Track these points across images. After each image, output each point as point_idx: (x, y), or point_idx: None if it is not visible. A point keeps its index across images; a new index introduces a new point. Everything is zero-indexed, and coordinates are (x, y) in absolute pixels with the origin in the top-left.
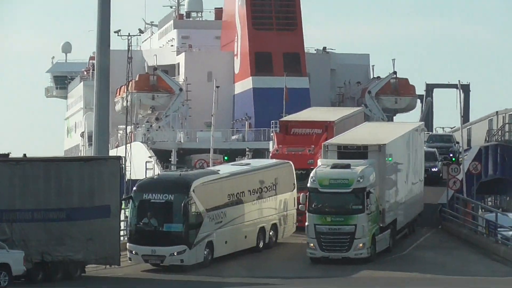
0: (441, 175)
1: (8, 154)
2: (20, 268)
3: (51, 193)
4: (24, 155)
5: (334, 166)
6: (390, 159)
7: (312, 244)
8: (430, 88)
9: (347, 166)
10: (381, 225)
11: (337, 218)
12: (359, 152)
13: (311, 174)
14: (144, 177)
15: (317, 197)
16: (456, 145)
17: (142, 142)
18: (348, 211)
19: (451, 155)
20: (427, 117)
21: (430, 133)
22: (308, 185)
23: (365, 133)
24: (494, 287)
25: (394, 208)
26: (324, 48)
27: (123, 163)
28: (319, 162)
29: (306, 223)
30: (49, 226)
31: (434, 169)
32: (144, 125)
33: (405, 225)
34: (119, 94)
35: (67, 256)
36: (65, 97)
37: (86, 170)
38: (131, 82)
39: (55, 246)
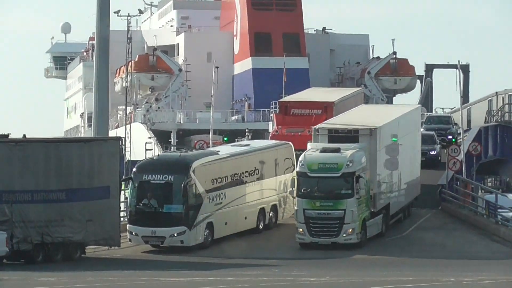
0: (439, 158)
1: (7, 135)
2: (3, 249)
3: (51, 174)
4: (24, 136)
5: (324, 150)
6: (395, 139)
7: (301, 229)
8: (429, 68)
9: (337, 150)
10: (372, 210)
11: (326, 203)
12: (350, 136)
13: (300, 158)
14: (144, 158)
15: (306, 182)
16: (454, 126)
17: (141, 122)
18: (337, 196)
19: (449, 137)
20: (427, 98)
21: (429, 113)
22: (297, 169)
23: (358, 116)
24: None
25: (387, 192)
26: (324, 28)
27: (123, 144)
28: (309, 145)
29: (295, 208)
30: (49, 207)
31: (432, 152)
32: (143, 106)
33: (399, 209)
34: (119, 75)
35: (67, 237)
36: (65, 78)
37: (86, 151)
38: (130, 63)
39: (55, 227)
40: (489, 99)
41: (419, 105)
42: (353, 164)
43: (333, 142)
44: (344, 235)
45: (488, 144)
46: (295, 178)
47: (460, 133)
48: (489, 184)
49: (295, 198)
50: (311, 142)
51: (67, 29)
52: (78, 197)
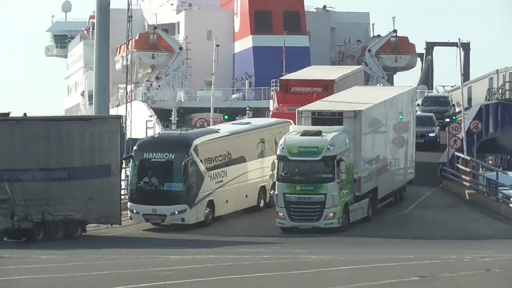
0: (438, 140)
1: (8, 114)
2: None
3: (52, 153)
4: (25, 114)
5: (304, 133)
6: (401, 117)
7: (281, 214)
8: (430, 46)
9: (318, 133)
10: (357, 193)
11: (307, 187)
12: (334, 118)
13: (280, 142)
14: (145, 136)
15: (286, 165)
16: (452, 108)
17: (142, 101)
18: (317, 180)
19: (447, 120)
20: (427, 76)
21: (429, 91)
22: (277, 152)
23: (348, 98)
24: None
25: (374, 176)
26: (324, 6)
27: (124, 122)
28: (291, 128)
29: (276, 192)
30: (50, 186)
31: (431, 134)
32: (144, 84)
33: (389, 193)
34: (119, 53)
35: (68, 215)
36: (65, 56)
37: (87, 129)
38: (131, 41)
39: (55, 206)
40: (489, 77)
41: (414, 86)
42: (334, 147)
43: (316, 124)
44: (325, 219)
45: (489, 122)
46: (275, 161)
47: (460, 111)
48: (490, 162)
49: (275, 182)
50: (294, 125)
51: (67, 8)
52: (79, 176)
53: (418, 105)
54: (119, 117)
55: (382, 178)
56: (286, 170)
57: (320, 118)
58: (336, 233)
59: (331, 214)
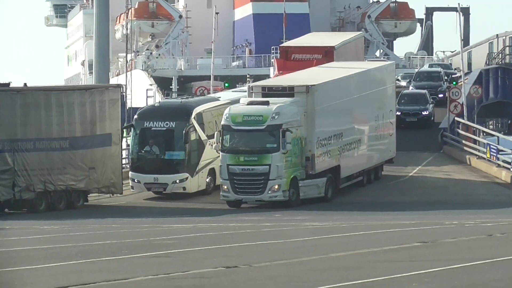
0: (432, 118)
1: (8, 84)
2: None
3: (53, 122)
4: (25, 84)
5: (250, 103)
6: (454, 83)
7: (225, 187)
8: (429, 11)
9: (265, 103)
10: (310, 172)
11: (251, 158)
12: (285, 93)
13: (225, 111)
14: (145, 105)
15: (230, 135)
16: (445, 83)
17: (142, 70)
18: (262, 150)
19: (440, 95)
20: (427, 41)
21: (428, 57)
22: (222, 122)
23: (314, 73)
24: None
25: (335, 154)
26: None
27: (124, 91)
28: (241, 100)
29: (220, 164)
30: (51, 156)
31: (424, 113)
32: (144, 53)
33: (358, 173)
34: (119, 22)
35: (70, 185)
36: (65, 26)
37: (87, 99)
38: (130, 10)
39: (57, 175)
40: (489, 41)
41: (392, 62)
42: (279, 116)
43: None
44: (269, 192)
45: (489, 87)
46: (220, 132)
47: (461, 75)
48: (491, 126)
49: (219, 153)
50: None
51: None
52: (80, 145)
53: (409, 80)
54: (119, 86)
55: (347, 157)
56: (230, 140)
57: (271, 94)
58: (291, 207)
59: (276, 186)
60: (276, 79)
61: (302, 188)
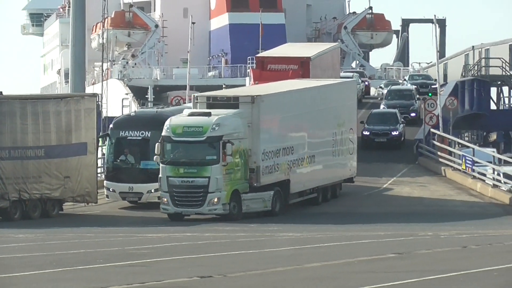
0: (403, 138)
1: None
2: None
3: (28, 131)
4: (0, 92)
5: (192, 114)
6: (430, 94)
7: (165, 199)
8: (406, 23)
9: (207, 114)
10: (255, 184)
11: (190, 170)
12: (230, 103)
13: (166, 122)
14: (121, 114)
15: (170, 147)
16: (417, 102)
17: (118, 79)
18: (201, 162)
19: (412, 114)
20: (403, 53)
21: (404, 68)
22: (162, 133)
23: (257, 88)
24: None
25: (284, 168)
26: None
27: (100, 100)
28: (184, 111)
29: (160, 175)
30: (26, 164)
31: (394, 133)
32: (120, 62)
33: (312, 189)
34: (95, 31)
35: (45, 193)
36: (41, 34)
37: (63, 108)
38: (106, 19)
39: (32, 184)
40: (465, 53)
41: (354, 79)
42: (219, 128)
43: None
44: (208, 205)
45: (465, 99)
46: (159, 143)
47: (436, 87)
48: (466, 138)
49: (159, 165)
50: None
51: None
52: (55, 154)
53: (381, 98)
54: (95, 95)
55: (298, 172)
56: (170, 151)
57: (216, 104)
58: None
59: (215, 199)
60: (222, 91)
61: (245, 202)
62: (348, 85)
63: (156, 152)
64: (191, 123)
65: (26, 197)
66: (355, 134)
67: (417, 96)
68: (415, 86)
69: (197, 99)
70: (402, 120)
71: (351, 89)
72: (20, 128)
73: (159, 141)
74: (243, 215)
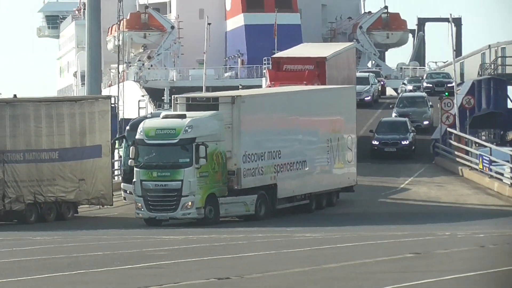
0: (413, 148)
1: None
2: None
3: (42, 134)
4: (14, 95)
5: (166, 116)
6: (447, 93)
7: (139, 204)
8: (421, 22)
9: (181, 116)
10: (236, 187)
11: (164, 173)
12: (209, 104)
13: (140, 125)
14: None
15: (143, 150)
16: (430, 109)
17: (134, 81)
18: (174, 165)
19: (425, 122)
20: (419, 52)
21: (420, 67)
22: (136, 136)
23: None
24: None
25: (269, 171)
26: None
27: (116, 102)
28: (162, 113)
29: (134, 180)
30: (41, 167)
31: (404, 142)
32: (136, 64)
33: (304, 195)
34: (111, 33)
35: (59, 196)
36: (57, 37)
37: (77, 110)
38: (122, 21)
39: (47, 187)
40: (482, 52)
41: (353, 86)
42: (192, 130)
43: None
44: (182, 209)
45: (482, 97)
46: (134, 146)
47: (453, 86)
48: (483, 137)
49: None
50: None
51: None
52: (70, 157)
53: (391, 107)
54: (109, 97)
55: (286, 176)
56: (143, 155)
57: (196, 105)
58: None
59: (189, 203)
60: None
61: (223, 205)
62: (347, 91)
63: (130, 155)
64: (164, 126)
65: (41, 200)
66: (354, 142)
67: (430, 103)
68: (430, 85)
69: (176, 100)
70: (413, 128)
71: (350, 95)
72: (34, 131)
73: (133, 144)
74: (219, 220)
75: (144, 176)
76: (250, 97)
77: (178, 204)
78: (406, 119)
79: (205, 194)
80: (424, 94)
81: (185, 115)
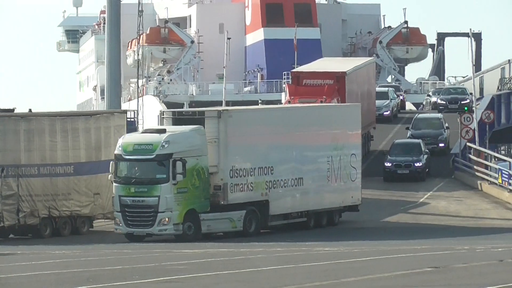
0: (427, 170)
1: (13, 110)
2: None
3: (57, 148)
4: (30, 110)
5: (145, 131)
6: (466, 108)
7: (117, 219)
8: (441, 37)
9: (160, 131)
10: (222, 202)
11: (141, 189)
12: (195, 118)
13: (119, 140)
14: None
15: (121, 165)
16: (446, 131)
17: (154, 95)
18: (151, 181)
19: (441, 145)
20: (439, 67)
21: (440, 82)
22: (115, 151)
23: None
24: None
25: (260, 188)
26: None
27: (136, 116)
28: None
29: (113, 195)
30: (56, 181)
31: (417, 164)
32: (155, 78)
33: (300, 213)
34: (131, 48)
35: (74, 211)
36: (77, 51)
37: (92, 125)
38: (142, 35)
39: (62, 201)
40: (501, 67)
41: (358, 104)
42: (169, 145)
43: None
44: (159, 225)
45: (501, 112)
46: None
47: (468, 103)
48: (502, 152)
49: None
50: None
51: (78, 3)
52: (85, 171)
53: (407, 128)
54: (125, 112)
55: (279, 193)
56: (122, 170)
57: (182, 119)
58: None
59: (166, 219)
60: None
61: (205, 222)
62: (350, 109)
63: (110, 170)
64: (141, 141)
65: (56, 214)
66: (358, 160)
67: (446, 124)
68: (444, 102)
69: (163, 115)
70: (427, 150)
71: (354, 113)
72: (49, 145)
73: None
74: (202, 236)
75: (122, 191)
76: (238, 111)
77: (155, 220)
78: (420, 140)
79: (183, 210)
80: (440, 115)
81: (165, 130)
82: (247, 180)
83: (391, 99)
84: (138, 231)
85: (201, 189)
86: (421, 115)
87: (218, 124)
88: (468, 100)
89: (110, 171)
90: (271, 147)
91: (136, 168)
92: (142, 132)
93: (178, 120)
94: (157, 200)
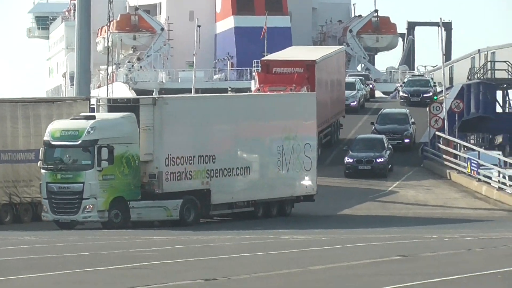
0: (390, 166)
1: None
2: None
3: (19, 134)
4: None
5: (74, 117)
6: (435, 97)
7: (44, 206)
8: (411, 26)
9: (89, 118)
10: (157, 191)
11: (67, 175)
12: (130, 106)
13: (49, 126)
14: None
15: (49, 152)
16: (412, 126)
17: (123, 82)
18: (76, 167)
19: (406, 140)
20: (409, 56)
21: (409, 71)
22: (44, 138)
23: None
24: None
25: (200, 176)
26: None
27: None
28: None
29: (40, 182)
30: (17, 168)
31: (379, 160)
32: (125, 65)
33: (247, 202)
34: (101, 34)
35: (36, 197)
36: (47, 38)
37: (55, 112)
38: (112, 22)
39: (23, 188)
40: (471, 56)
41: (314, 93)
42: (95, 131)
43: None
44: (83, 212)
45: (471, 102)
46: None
47: (442, 90)
48: (472, 141)
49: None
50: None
51: None
52: None
53: (372, 123)
54: (88, 99)
55: (222, 182)
56: (49, 156)
57: (117, 106)
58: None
59: (90, 206)
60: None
61: (135, 210)
62: (305, 98)
63: (40, 157)
64: (68, 127)
65: (16, 201)
66: (313, 149)
67: (412, 120)
68: (406, 94)
69: (99, 102)
70: (390, 146)
71: (309, 102)
72: (10, 131)
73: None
74: (132, 224)
75: (49, 178)
76: (175, 99)
77: (80, 206)
78: (383, 136)
79: (110, 197)
80: (406, 110)
81: (94, 116)
82: (185, 169)
83: (358, 90)
84: (64, 218)
85: (131, 177)
86: (386, 110)
87: (153, 111)
88: (431, 93)
89: (40, 157)
90: (213, 136)
91: (63, 155)
92: (71, 119)
93: (113, 107)
94: (82, 187)
